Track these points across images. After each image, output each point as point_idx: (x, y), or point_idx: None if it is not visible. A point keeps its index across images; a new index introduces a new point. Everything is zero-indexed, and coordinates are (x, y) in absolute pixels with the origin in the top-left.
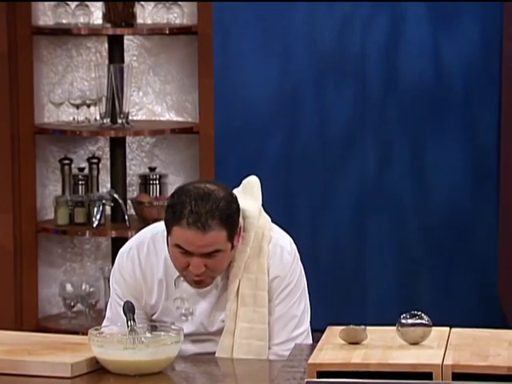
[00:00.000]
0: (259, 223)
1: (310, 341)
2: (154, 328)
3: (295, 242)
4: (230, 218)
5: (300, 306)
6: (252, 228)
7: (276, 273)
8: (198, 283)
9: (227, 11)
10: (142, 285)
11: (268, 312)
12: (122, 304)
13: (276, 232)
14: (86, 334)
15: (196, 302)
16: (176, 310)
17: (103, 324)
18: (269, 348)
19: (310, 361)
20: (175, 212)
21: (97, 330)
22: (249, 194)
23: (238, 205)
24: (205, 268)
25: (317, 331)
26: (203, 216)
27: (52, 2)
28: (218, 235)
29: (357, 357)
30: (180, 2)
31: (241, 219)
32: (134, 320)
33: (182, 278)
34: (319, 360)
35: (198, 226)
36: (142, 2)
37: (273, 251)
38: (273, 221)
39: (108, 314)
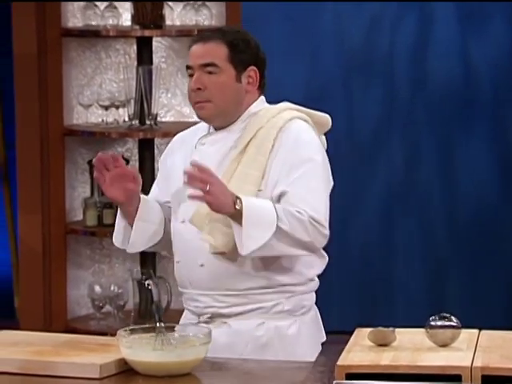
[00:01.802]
0: (286, 112)
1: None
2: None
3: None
4: (234, 39)
5: (316, 189)
6: (278, 107)
7: (286, 148)
8: (200, 109)
9: (255, 12)
10: (173, 151)
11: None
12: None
13: (304, 125)
14: (115, 335)
15: (207, 163)
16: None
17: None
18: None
19: (339, 362)
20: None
21: (126, 331)
22: (308, 114)
23: (254, 41)
24: (203, 86)
25: (345, 333)
26: (211, 31)
27: (81, 4)
28: (217, 48)
29: (385, 359)
30: (208, 3)
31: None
32: (162, 321)
33: (202, 141)
34: (348, 362)
35: (201, 38)
36: (171, 4)
37: (289, 127)
38: None
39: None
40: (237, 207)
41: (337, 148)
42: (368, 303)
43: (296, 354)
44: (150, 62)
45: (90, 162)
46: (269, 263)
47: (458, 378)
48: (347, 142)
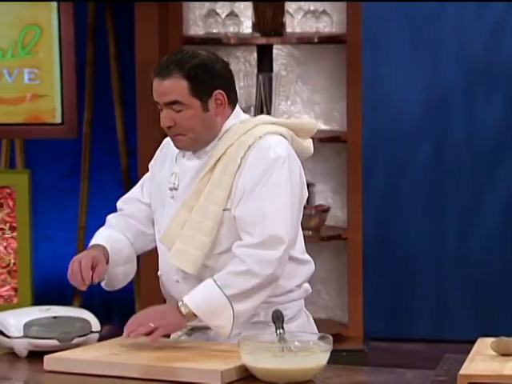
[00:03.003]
0: (259, 128)
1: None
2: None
3: (444, 251)
4: (191, 70)
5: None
6: (251, 123)
7: (251, 168)
8: (175, 141)
9: (376, 19)
10: (162, 158)
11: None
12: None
13: (276, 140)
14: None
15: (184, 178)
16: (167, 185)
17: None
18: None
19: (461, 372)
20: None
21: (246, 337)
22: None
23: (212, 62)
24: (173, 123)
25: (468, 342)
26: (168, 65)
27: (203, 12)
28: (176, 84)
29: (509, 369)
30: (329, 11)
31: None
32: (283, 328)
33: (181, 154)
34: (471, 371)
35: (159, 74)
36: (291, 11)
37: (258, 145)
38: (420, 228)
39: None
40: (183, 312)
41: (457, 155)
42: (490, 312)
43: None
44: (271, 69)
45: None
46: None
47: None
48: (468, 149)
